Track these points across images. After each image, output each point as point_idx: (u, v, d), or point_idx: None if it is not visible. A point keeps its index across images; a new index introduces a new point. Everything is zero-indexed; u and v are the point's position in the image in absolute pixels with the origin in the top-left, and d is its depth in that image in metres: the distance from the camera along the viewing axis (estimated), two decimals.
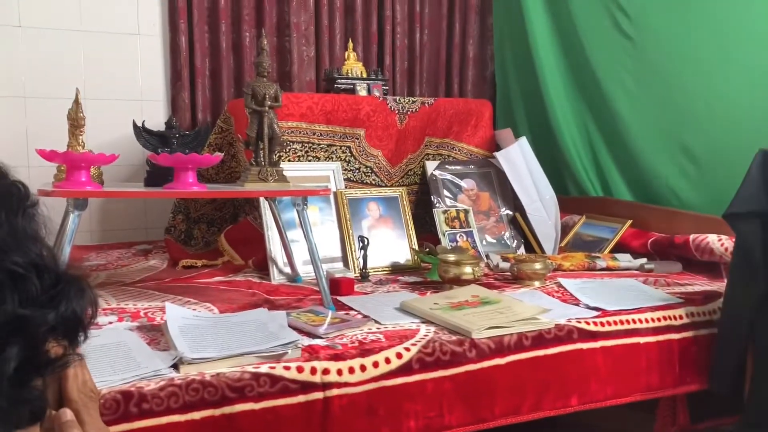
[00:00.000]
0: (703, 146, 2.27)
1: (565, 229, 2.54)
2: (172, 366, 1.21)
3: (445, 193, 2.50)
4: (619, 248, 2.31)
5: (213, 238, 2.46)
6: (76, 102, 1.68)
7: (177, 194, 2.11)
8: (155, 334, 1.42)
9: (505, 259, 2.15)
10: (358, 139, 2.41)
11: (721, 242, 2.00)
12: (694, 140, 2.29)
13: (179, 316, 1.42)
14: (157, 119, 2.73)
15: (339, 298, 1.77)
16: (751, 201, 1.58)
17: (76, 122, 1.67)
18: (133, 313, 1.58)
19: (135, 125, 2.50)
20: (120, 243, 2.70)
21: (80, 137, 1.67)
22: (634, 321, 1.61)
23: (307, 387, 1.23)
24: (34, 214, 0.58)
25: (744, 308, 1.57)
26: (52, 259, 0.56)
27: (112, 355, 1.24)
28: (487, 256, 2.27)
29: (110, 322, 1.51)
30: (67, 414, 0.71)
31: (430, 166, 2.54)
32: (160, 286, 1.93)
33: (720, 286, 1.83)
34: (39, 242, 0.55)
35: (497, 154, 2.56)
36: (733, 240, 1.81)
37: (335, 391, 1.25)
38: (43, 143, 1.70)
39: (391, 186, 2.49)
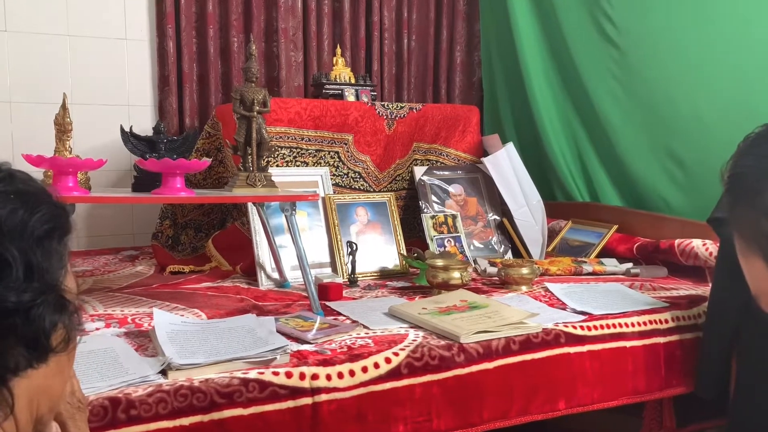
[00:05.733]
0: (689, 151, 2.29)
1: (551, 234, 2.56)
2: (160, 372, 1.20)
3: (433, 198, 2.51)
4: (605, 253, 2.33)
5: (200, 244, 2.45)
6: (63, 107, 1.68)
7: (164, 200, 2.11)
8: (143, 340, 1.41)
9: (492, 264, 2.17)
10: (346, 144, 2.42)
11: (705, 247, 2.02)
12: (680, 145, 2.31)
13: (167, 321, 1.41)
14: (144, 124, 2.73)
15: (327, 303, 1.77)
16: None
17: (62, 127, 1.66)
18: (121, 319, 1.57)
19: (122, 130, 2.50)
20: (107, 249, 2.69)
21: (67, 142, 1.67)
22: (620, 325, 1.62)
23: (296, 392, 1.23)
24: (66, 241, 0.59)
25: (728, 312, 1.58)
26: (54, 275, 0.56)
27: (100, 361, 1.24)
28: (475, 261, 2.28)
29: (97, 329, 1.50)
30: (53, 428, 0.71)
31: (418, 171, 2.55)
32: (147, 292, 1.92)
33: (705, 290, 1.85)
34: (51, 258, 0.56)
35: (485, 160, 2.57)
36: (717, 245, 1.83)
37: (324, 397, 1.25)
38: (30, 148, 1.70)
39: (380, 191, 2.49)
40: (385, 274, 2.19)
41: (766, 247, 0.66)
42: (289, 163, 2.31)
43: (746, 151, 0.72)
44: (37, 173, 1.67)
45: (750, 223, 0.67)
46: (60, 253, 0.58)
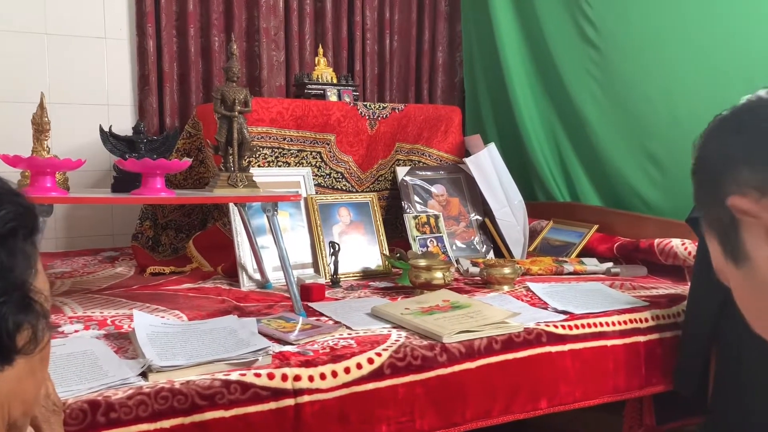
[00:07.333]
0: (667, 152, 2.32)
1: (533, 234, 2.57)
2: (140, 374, 1.19)
3: (416, 198, 2.52)
4: (586, 252, 2.35)
5: (181, 245, 2.44)
6: (41, 106, 1.65)
7: (145, 200, 2.09)
8: (123, 342, 1.40)
9: (474, 264, 2.17)
10: (328, 144, 2.41)
11: (684, 246, 2.04)
12: (659, 146, 2.34)
13: (147, 323, 1.40)
14: (124, 124, 2.70)
15: (310, 304, 1.76)
16: None
17: (40, 127, 1.64)
18: (100, 321, 1.56)
19: (102, 130, 2.47)
20: (86, 250, 2.66)
21: (45, 142, 1.64)
22: (601, 324, 1.63)
23: (278, 394, 1.23)
24: (34, 241, 0.58)
25: (707, 310, 1.60)
26: (19, 274, 0.55)
27: (79, 363, 1.22)
28: (457, 261, 2.29)
29: (76, 331, 1.48)
30: None
31: (401, 171, 2.55)
32: (127, 293, 1.90)
33: (684, 289, 1.87)
34: (15, 257, 0.55)
35: (466, 160, 2.58)
36: (696, 244, 1.86)
37: (306, 398, 1.25)
38: (7, 148, 1.67)
39: (362, 191, 2.49)
40: (367, 275, 2.19)
41: (720, 231, 0.67)
42: (271, 164, 2.30)
43: (709, 136, 0.70)
44: (14, 174, 1.65)
45: (709, 207, 0.68)
46: (26, 252, 0.57)
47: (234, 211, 2.04)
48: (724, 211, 0.63)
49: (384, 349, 1.37)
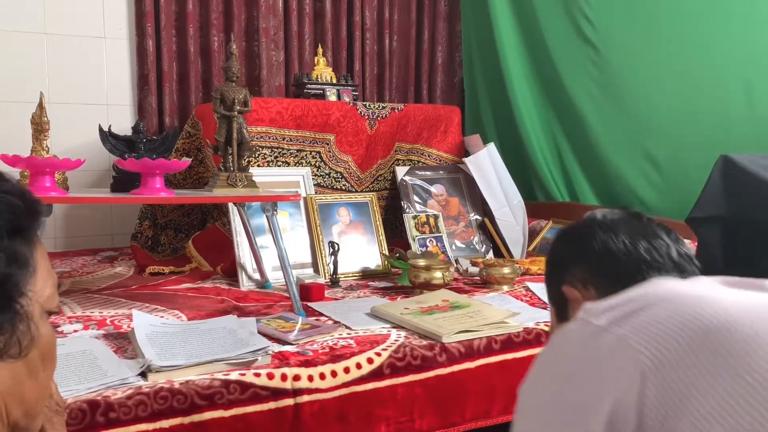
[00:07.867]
0: (665, 152, 2.32)
1: (532, 234, 2.57)
2: (139, 374, 1.19)
3: (415, 198, 2.52)
4: None
5: (181, 245, 2.43)
6: (40, 106, 1.65)
7: (144, 200, 2.09)
8: (122, 342, 1.40)
9: (474, 264, 2.17)
10: (328, 144, 2.41)
11: None
12: (656, 146, 2.35)
13: (147, 323, 1.40)
14: (123, 124, 2.69)
15: (309, 304, 1.76)
16: (712, 206, 1.62)
17: (40, 127, 1.64)
18: (99, 321, 1.56)
19: (101, 130, 2.47)
20: (85, 250, 2.66)
21: (44, 142, 1.64)
22: None
23: (277, 393, 1.23)
24: (27, 239, 0.56)
25: None
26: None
27: (78, 363, 1.22)
28: (457, 261, 2.29)
29: (75, 331, 1.48)
30: None
31: (400, 171, 2.55)
32: (126, 293, 1.90)
33: None
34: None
35: (466, 160, 2.58)
36: (695, 244, 1.85)
37: (306, 398, 1.25)
38: (6, 148, 1.67)
39: (362, 191, 2.49)
40: (367, 275, 2.19)
41: (557, 304, 0.91)
42: (270, 163, 2.29)
43: (558, 239, 0.97)
44: (13, 174, 1.65)
45: (553, 288, 0.92)
46: (10, 250, 0.56)
47: (233, 211, 2.04)
48: (562, 293, 0.87)
49: (383, 349, 1.37)
